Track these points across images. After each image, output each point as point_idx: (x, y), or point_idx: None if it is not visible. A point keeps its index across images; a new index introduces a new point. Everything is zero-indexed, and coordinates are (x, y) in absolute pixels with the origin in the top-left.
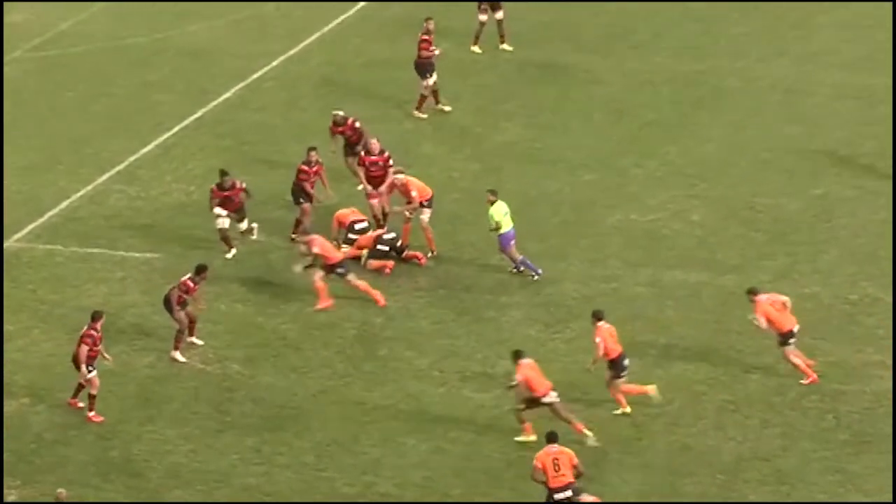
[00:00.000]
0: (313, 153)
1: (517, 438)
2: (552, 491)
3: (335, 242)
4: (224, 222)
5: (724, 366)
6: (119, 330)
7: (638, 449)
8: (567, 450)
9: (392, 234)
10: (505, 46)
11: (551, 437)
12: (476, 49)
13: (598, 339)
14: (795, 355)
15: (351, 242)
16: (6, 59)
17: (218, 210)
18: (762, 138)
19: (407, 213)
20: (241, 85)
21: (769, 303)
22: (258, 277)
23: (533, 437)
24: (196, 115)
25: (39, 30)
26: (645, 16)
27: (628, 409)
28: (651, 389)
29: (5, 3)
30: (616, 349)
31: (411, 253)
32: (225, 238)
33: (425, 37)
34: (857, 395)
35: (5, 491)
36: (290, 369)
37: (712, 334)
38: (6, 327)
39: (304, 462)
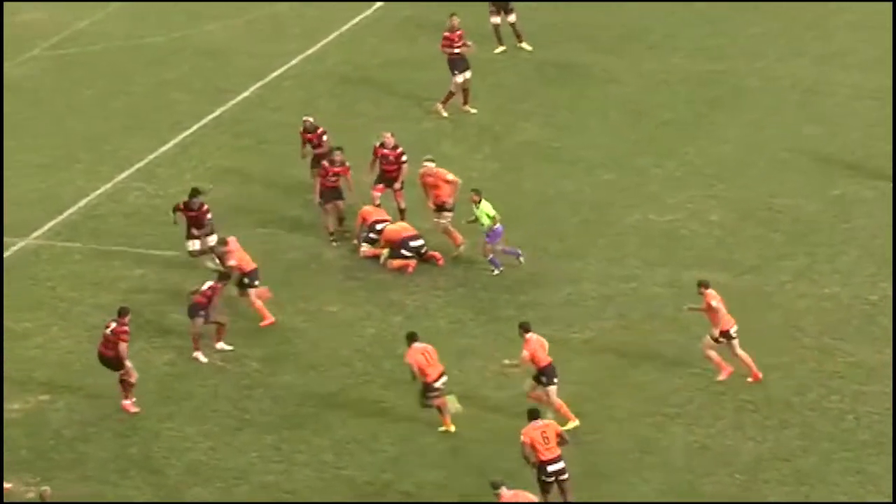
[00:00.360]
0: (338, 153)
1: (441, 429)
2: (545, 463)
3: (356, 241)
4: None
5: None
6: (138, 327)
7: (657, 448)
8: (551, 421)
9: (420, 242)
10: (524, 45)
11: (534, 414)
12: (500, 49)
13: (525, 353)
14: (714, 350)
15: (371, 241)
16: (24, 57)
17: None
18: (780, 138)
19: (435, 218)
20: (259, 84)
21: (719, 299)
22: (277, 276)
23: (452, 428)
24: (214, 114)
25: (57, 28)
26: (661, 16)
27: (577, 422)
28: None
29: (24, 3)
30: (546, 359)
31: (431, 253)
32: (202, 252)
33: (446, 33)
34: (878, 395)
35: (24, 488)
36: (308, 367)
37: None
38: (25, 325)
39: (323, 460)
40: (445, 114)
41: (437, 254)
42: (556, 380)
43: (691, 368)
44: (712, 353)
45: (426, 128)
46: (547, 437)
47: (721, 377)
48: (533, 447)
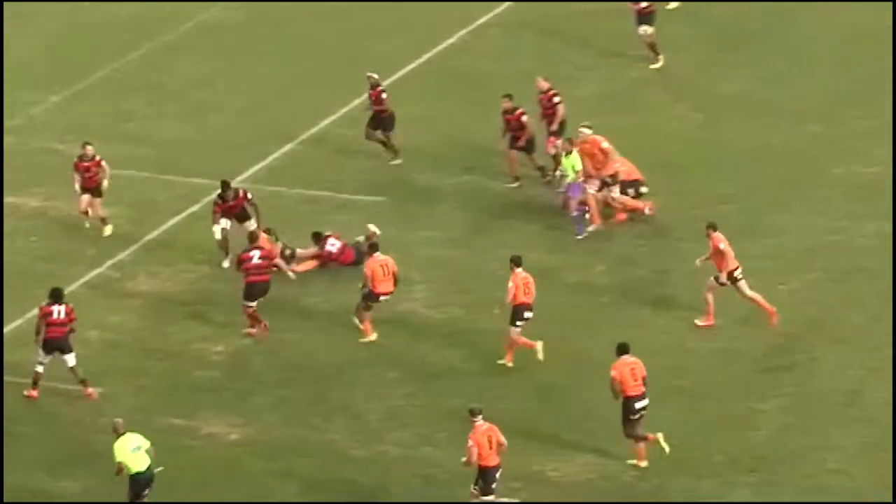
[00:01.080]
0: (506, 100)
1: (361, 340)
2: (633, 399)
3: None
4: (220, 231)
5: None
6: (343, 271)
7: (860, 401)
8: (638, 360)
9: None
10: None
11: (623, 349)
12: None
13: (510, 285)
14: (752, 290)
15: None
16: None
17: (221, 223)
18: None
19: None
20: (465, 31)
21: (727, 242)
22: (475, 223)
23: (373, 337)
24: (420, 60)
25: None
26: None
27: (510, 363)
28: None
29: None
30: (523, 299)
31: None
32: (223, 245)
33: None
34: None
35: (228, 430)
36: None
37: None
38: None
39: (525, 407)
40: (655, 65)
41: (640, 205)
42: (521, 322)
43: None
44: (710, 297)
45: (631, 77)
46: (635, 374)
47: (700, 322)
48: (622, 382)
